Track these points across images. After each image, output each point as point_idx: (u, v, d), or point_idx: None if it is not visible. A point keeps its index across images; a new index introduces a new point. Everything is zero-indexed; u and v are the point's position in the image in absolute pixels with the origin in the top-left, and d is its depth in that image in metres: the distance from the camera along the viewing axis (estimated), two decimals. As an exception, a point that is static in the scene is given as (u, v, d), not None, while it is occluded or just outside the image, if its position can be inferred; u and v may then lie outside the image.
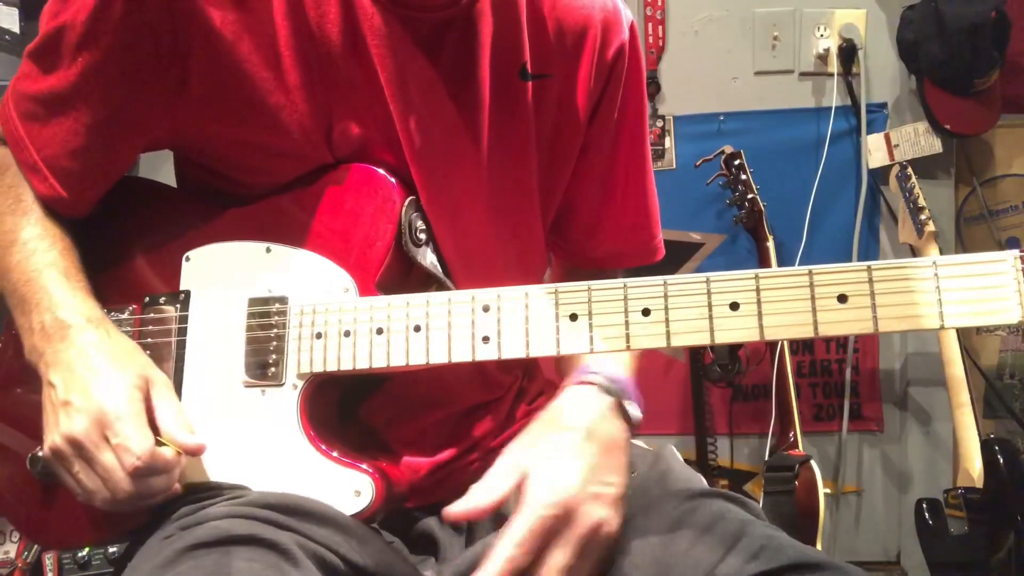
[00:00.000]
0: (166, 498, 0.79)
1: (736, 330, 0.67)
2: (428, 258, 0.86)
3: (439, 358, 0.77)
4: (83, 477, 0.77)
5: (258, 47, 0.81)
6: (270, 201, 0.88)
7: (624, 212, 1.02)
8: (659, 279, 0.70)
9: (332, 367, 0.80)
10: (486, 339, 0.75)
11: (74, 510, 0.90)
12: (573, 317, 0.72)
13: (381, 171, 0.84)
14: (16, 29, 1.95)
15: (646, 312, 0.69)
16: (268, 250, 0.85)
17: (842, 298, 0.65)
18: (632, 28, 0.97)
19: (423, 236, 0.85)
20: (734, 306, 0.67)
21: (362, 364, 0.79)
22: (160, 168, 0.99)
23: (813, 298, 0.66)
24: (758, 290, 0.67)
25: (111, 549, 1.67)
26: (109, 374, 0.78)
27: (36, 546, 1.87)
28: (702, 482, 0.85)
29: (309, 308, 0.82)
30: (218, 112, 0.83)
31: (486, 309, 0.76)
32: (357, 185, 0.84)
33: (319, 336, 0.81)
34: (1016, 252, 0.63)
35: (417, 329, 0.78)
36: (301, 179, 0.87)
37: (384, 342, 0.79)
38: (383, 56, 0.82)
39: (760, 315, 0.66)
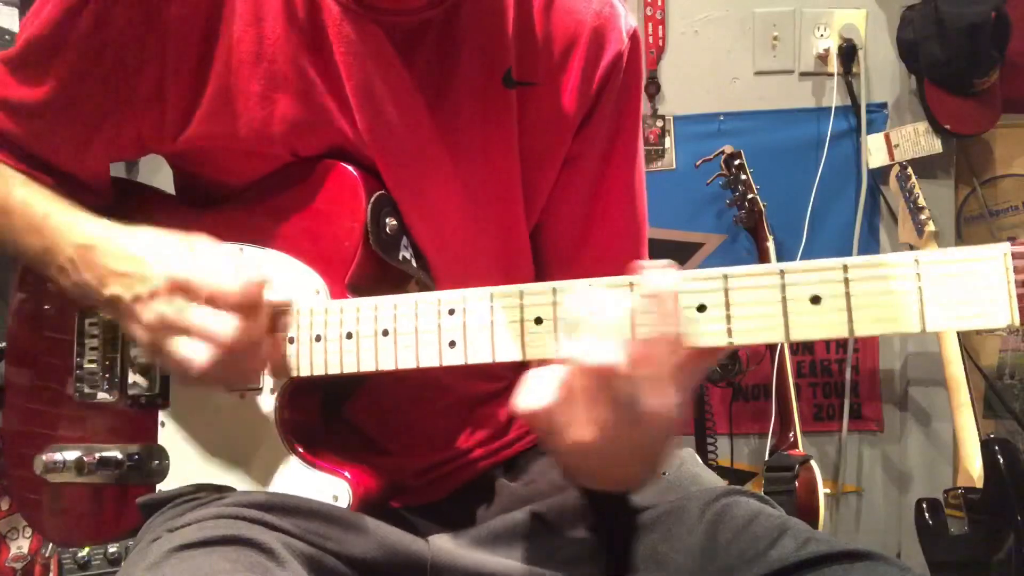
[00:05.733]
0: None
1: (702, 335, 0.62)
2: (401, 255, 0.84)
3: (407, 363, 0.74)
4: (187, 348, 0.74)
5: (222, 52, 0.81)
6: (245, 201, 0.87)
7: (606, 233, 0.96)
8: (625, 279, 0.64)
9: (305, 372, 0.79)
10: (452, 344, 0.72)
11: (80, 509, 0.91)
12: (538, 321, 0.68)
13: (348, 167, 0.82)
14: (16, 29, 1.96)
15: None
16: (241, 251, 0.84)
17: (815, 299, 0.59)
18: (633, 36, 0.92)
19: (394, 233, 0.83)
20: (701, 308, 0.62)
21: (333, 369, 0.77)
22: (159, 171, 0.99)
23: (784, 300, 0.60)
24: (726, 291, 0.61)
25: (111, 549, 1.68)
26: (156, 252, 0.76)
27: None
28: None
29: (281, 312, 0.80)
30: (182, 115, 0.83)
31: (452, 312, 0.72)
32: (324, 182, 0.83)
33: (291, 341, 0.79)
34: (1007, 246, 0.55)
35: (385, 333, 0.75)
36: (272, 177, 0.86)
37: (354, 347, 0.76)
38: (349, 64, 0.81)
39: (728, 318, 0.61)
